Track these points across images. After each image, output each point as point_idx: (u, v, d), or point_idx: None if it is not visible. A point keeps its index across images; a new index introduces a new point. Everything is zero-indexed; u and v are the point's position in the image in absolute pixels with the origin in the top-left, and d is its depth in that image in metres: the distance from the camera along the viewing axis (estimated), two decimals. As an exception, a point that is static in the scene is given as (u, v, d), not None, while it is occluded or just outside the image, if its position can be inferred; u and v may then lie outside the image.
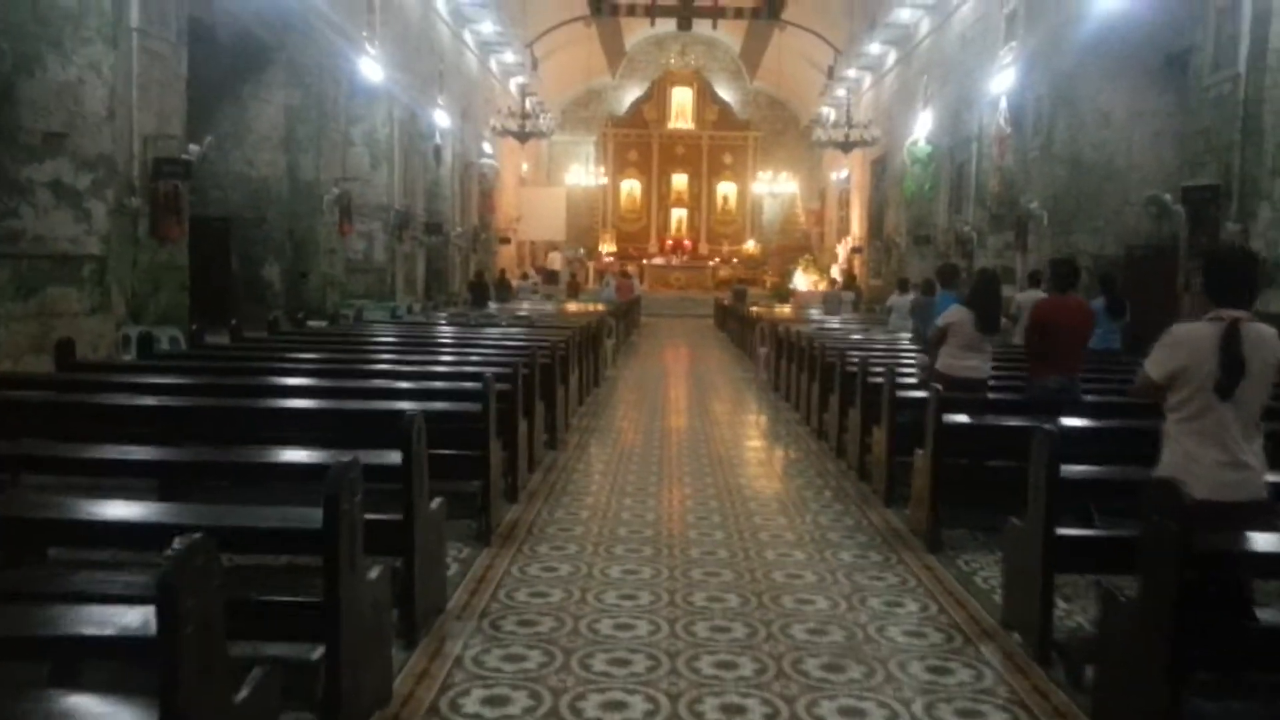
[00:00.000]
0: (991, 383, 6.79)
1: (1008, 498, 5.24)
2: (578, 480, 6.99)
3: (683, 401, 11.61)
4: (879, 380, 6.79)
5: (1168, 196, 12.87)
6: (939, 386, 5.47)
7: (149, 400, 5.64)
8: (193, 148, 12.55)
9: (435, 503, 4.11)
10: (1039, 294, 11.96)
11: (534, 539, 5.44)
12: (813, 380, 9.43)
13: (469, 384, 5.84)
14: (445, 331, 11.71)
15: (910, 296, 14.99)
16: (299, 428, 5.47)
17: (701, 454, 8.16)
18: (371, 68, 18.90)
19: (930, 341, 6.75)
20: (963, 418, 5.53)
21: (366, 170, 20.18)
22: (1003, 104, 18.49)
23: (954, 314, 6.52)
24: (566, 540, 5.43)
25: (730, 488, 6.87)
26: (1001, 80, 18.67)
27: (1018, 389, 6.87)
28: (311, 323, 12.42)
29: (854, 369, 7.60)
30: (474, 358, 8.44)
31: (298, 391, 6.04)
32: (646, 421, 9.96)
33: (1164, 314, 12.62)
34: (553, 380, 8.07)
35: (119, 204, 11.05)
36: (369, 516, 3.69)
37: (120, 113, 11.14)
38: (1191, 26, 13.37)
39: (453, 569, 4.79)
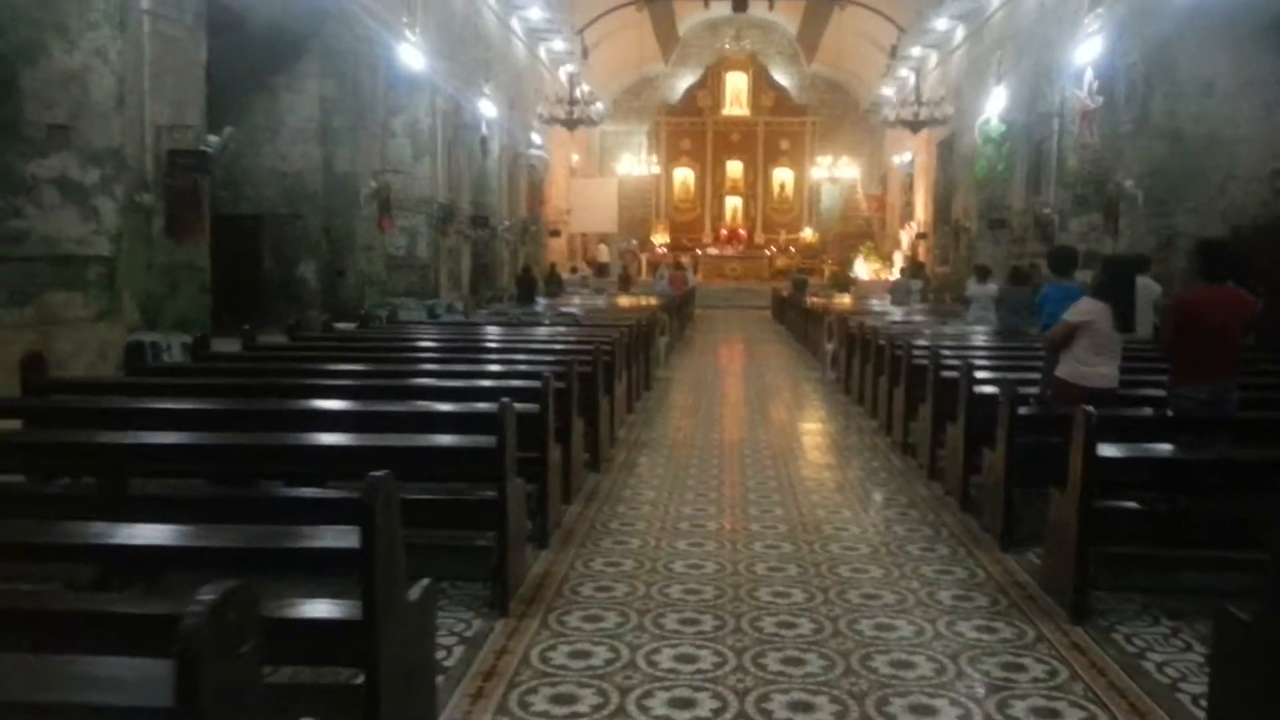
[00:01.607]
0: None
1: (1174, 546, 4.05)
2: (622, 513, 5.88)
3: (743, 408, 10.44)
4: (989, 391, 5.58)
5: (1297, 168, 11.42)
6: (1089, 408, 4.19)
7: (104, 437, 4.65)
8: (212, 139, 11.66)
9: (417, 590, 3.01)
10: (1149, 282, 10.62)
11: (564, 604, 4.33)
12: (895, 384, 8.20)
13: (485, 405, 4.75)
14: (483, 333, 10.67)
15: (992, 285, 13.65)
16: (275, 465, 4.44)
17: (768, 474, 7.01)
18: (412, 55, 18.00)
19: (1052, 341, 5.51)
20: (1124, 449, 4.28)
21: (409, 162, 19.30)
22: (1088, 76, 16.91)
23: (1088, 309, 5.28)
24: (605, 605, 4.32)
25: (806, 523, 5.72)
26: (1086, 50, 17.15)
27: (1152, 399, 5.63)
28: (340, 325, 11.48)
29: (953, 375, 6.39)
30: (506, 367, 7.38)
31: (284, 420, 5.01)
32: (703, 433, 8.82)
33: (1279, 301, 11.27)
34: (595, 392, 6.98)
35: (130, 200, 10.22)
36: (312, 614, 2.64)
37: (131, 102, 10.30)
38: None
39: (455, 655, 3.72)
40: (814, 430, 9.21)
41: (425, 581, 3.05)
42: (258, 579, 2.03)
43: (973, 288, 13.73)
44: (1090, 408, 4.17)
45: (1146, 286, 10.49)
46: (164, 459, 4.53)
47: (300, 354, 8.56)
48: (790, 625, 4.11)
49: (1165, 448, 4.56)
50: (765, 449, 8.01)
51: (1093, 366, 5.27)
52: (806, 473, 7.11)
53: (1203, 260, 5.30)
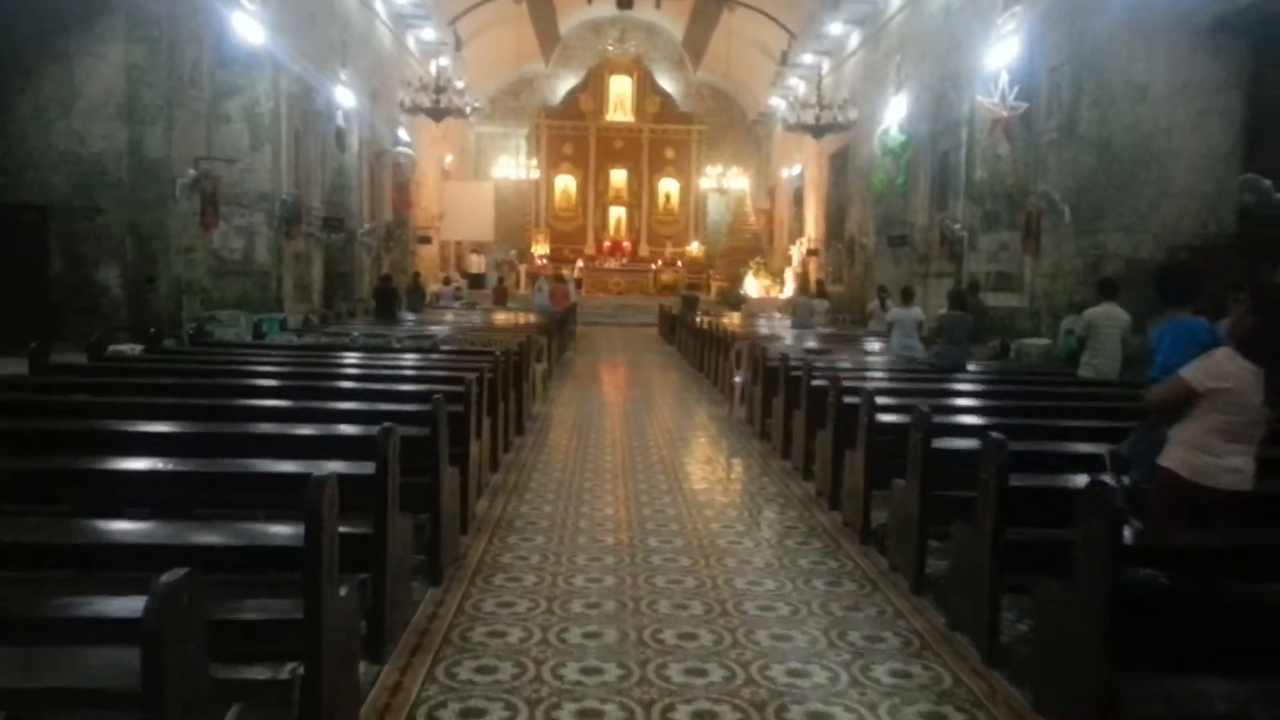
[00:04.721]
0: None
1: None
2: (467, 685, 3.64)
3: (640, 462, 8.25)
4: (1044, 484, 3.60)
5: (1268, 181, 10.06)
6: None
7: None
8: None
9: None
10: (1114, 309, 9.02)
11: None
12: (846, 445, 6.19)
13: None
14: (299, 367, 8.16)
15: (916, 309, 11.95)
16: None
17: (687, 583, 4.87)
18: (249, 26, 15.34)
19: (1155, 404, 3.57)
20: None
21: (245, 152, 16.52)
22: (1003, 80, 15.55)
23: (1227, 368, 3.35)
24: None
25: (753, 679, 3.61)
26: (1001, 53, 15.84)
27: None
28: (121, 348, 8.87)
29: (951, 445, 4.40)
30: (312, 426, 5.05)
31: None
32: (591, 503, 6.63)
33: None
34: (436, 466, 4.72)
35: None
36: None
37: None
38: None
39: None
40: (736, 502, 7.05)
41: None
42: None
43: (895, 311, 11.99)
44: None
45: (1111, 315, 8.90)
46: None
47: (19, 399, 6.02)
48: None
49: None
50: (677, 533, 5.87)
51: (1220, 458, 3.35)
52: (740, 583, 4.93)
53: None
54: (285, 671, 2.89)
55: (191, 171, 13.66)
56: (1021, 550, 3.84)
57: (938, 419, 5.00)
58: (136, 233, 13.37)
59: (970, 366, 9.55)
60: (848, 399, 6.18)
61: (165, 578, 1.92)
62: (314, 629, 2.87)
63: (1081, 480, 3.93)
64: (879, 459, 5.49)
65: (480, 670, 3.75)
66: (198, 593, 2.01)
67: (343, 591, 3.11)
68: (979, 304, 11.86)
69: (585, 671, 3.76)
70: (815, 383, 7.24)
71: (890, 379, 7.97)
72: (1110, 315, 8.79)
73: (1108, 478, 3.43)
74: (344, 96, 20.54)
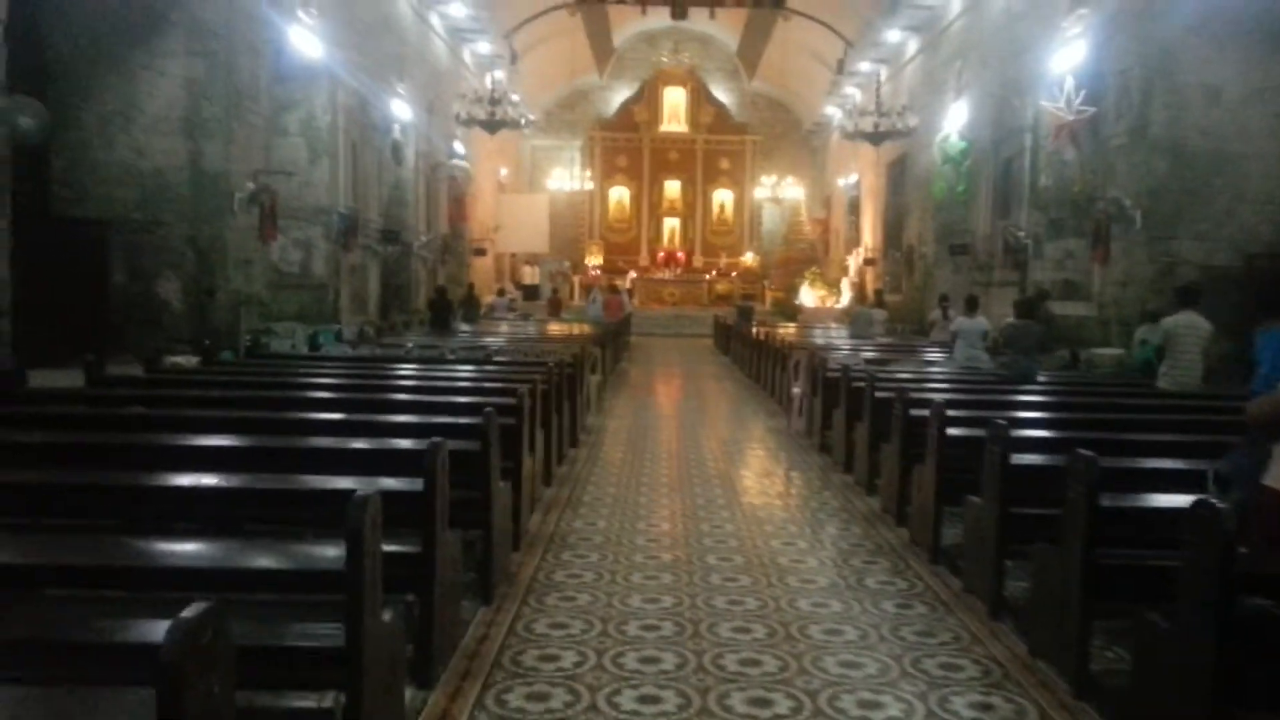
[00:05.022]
0: None
1: None
2: (517, 704, 3.47)
3: (696, 476, 8.04)
4: (1135, 503, 3.31)
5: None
6: None
7: None
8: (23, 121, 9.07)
9: None
10: (1195, 318, 8.62)
11: None
12: (911, 458, 5.93)
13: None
14: (351, 380, 8.08)
15: (981, 319, 11.62)
16: None
17: (749, 611, 4.63)
18: (306, 39, 15.46)
19: (1257, 419, 3.30)
20: None
21: (303, 165, 16.66)
22: (1068, 85, 15.09)
23: None
24: None
25: (822, 711, 3.37)
26: (1066, 57, 15.38)
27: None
28: (177, 360, 8.89)
29: (1029, 459, 4.13)
30: (367, 441, 4.93)
31: None
32: (648, 519, 6.43)
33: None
34: (486, 480, 4.57)
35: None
36: None
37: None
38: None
39: None
40: (797, 518, 6.77)
41: None
42: None
43: (959, 321, 11.65)
44: None
45: (1191, 324, 8.49)
46: None
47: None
48: None
49: None
50: (737, 550, 5.65)
51: (1336, 478, 3.06)
52: (804, 604, 4.68)
53: None
54: (329, 699, 2.73)
55: (250, 185, 13.77)
56: (1112, 574, 3.57)
57: (1013, 433, 4.72)
58: (196, 246, 13.49)
59: (1040, 377, 9.20)
60: (914, 411, 5.91)
61: (186, 612, 1.77)
62: (355, 655, 2.72)
63: (1173, 499, 3.67)
64: (950, 474, 5.22)
65: (532, 697, 3.57)
66: (224, 625, 1.86)
67: (387, 616, 2.96)
68: (1047, 313, 11.46)
69: (643, 700, 3.56)
70: (879, 394, 6.98)
71: (957, 390, 7.67)
72: (1191, 324, 8.39)
73: (1213, 498, 3.16)
74: (400, 110, 20.67)
